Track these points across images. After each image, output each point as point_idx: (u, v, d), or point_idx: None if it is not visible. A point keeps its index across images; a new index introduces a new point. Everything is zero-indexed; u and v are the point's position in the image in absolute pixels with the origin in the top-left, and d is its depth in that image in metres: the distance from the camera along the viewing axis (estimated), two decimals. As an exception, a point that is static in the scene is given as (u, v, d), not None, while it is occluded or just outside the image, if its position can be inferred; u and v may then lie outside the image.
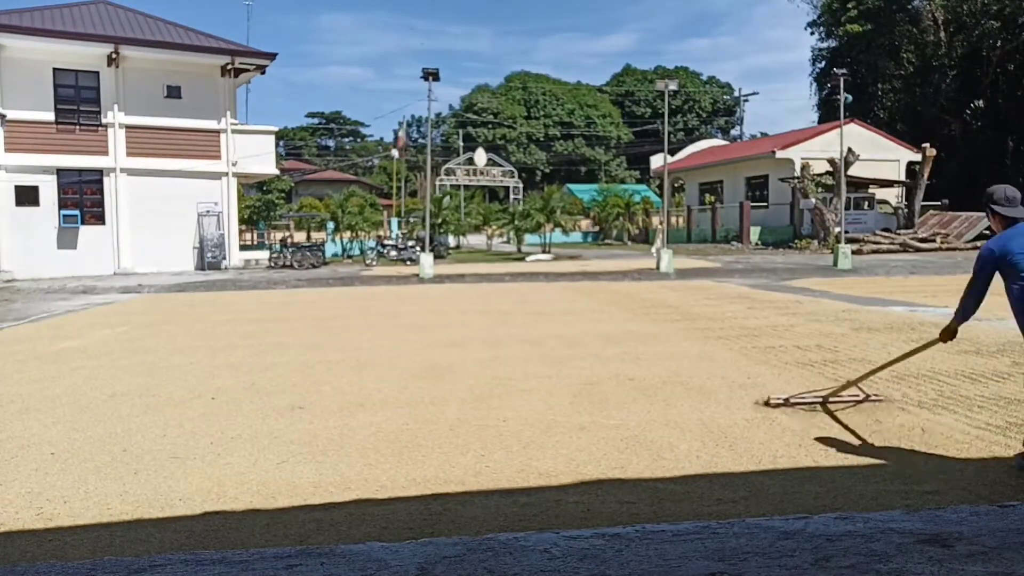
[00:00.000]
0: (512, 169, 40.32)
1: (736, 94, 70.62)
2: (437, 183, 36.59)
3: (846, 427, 5.50)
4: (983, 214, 28.81)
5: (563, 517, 3.90)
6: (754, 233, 34.92)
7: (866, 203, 34.45)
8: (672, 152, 43.76)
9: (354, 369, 8.05)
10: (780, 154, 35.10)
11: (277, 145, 33.48)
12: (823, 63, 50.17)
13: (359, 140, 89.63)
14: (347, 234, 33.58)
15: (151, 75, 24.70)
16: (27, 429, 5.87)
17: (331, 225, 34.44)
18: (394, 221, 38.79)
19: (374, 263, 28.16)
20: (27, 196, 23.28)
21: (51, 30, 23.33)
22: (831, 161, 29.72)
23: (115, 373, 8.09)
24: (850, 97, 33.55)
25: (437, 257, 26.85)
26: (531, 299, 15.32)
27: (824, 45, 50.71)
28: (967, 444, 5.04)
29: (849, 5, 45.55)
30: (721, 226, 37.73)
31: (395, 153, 46.43)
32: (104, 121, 24.29)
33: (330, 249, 32.63)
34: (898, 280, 18.44)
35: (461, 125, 69.49)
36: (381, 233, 36.23)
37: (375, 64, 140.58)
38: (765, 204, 37.26)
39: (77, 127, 24.07)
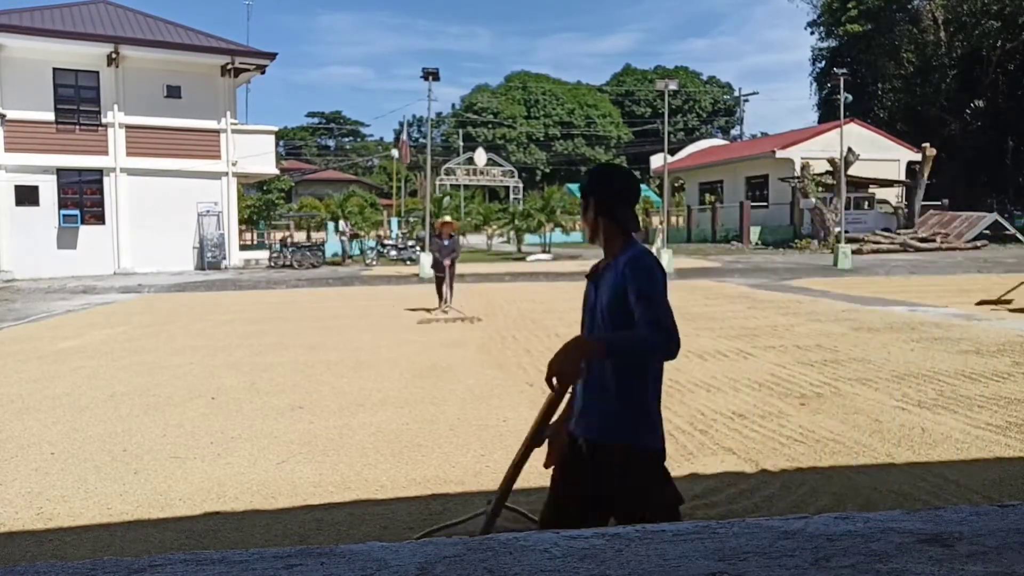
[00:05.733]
0: (512, 169, 40.31)
1: (736, 94, 70.55)
2: (437, 183, 36.59)
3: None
4: (983, 214, 28.46)
5: (563, 517, 3.89)
6: (754, 233, 34.89)
7: (866, 203, 34.43)
8: (672, 152, 43.68)
9: (354, 369, 8.05)
10: (780, 154, 35.07)
11: (277, 145, 33.42)
12: (823, 63, 50.16)
13: (359, 140, 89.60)
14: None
15: (151, 75, 24.69)
16: (27, 429, 5.87)
17: (331, 225, 34.43)
18: (394, 221, 38.77)
19: (374, 263, 28.17)
20: (27, 196, 23.27)
21: (51, 30, 23.33)
22: (831, 161, 29.70)
23: (115, 373, 8.09)
24: (850, 97, 33.52)
25: (437, 257, 26.78)
26: (531, 298, 15.32)
27: (824, 45, 50.70)
28: (967, 444, 5.04)
29: (849, 5, 45.53)
30: (721, 226, 37.70)
31: (395, 153, 46.45)
32: (104, 121, 24.28)
33: (330, 249, 32.62)
34: (898, 280, 18.43)
35: (461, 125, 69.44)
36: (381, 233, 36.22)
37: (375, 64, 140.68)
38: (765, 204, 37.23)
39: (77, 127, 24.06)
